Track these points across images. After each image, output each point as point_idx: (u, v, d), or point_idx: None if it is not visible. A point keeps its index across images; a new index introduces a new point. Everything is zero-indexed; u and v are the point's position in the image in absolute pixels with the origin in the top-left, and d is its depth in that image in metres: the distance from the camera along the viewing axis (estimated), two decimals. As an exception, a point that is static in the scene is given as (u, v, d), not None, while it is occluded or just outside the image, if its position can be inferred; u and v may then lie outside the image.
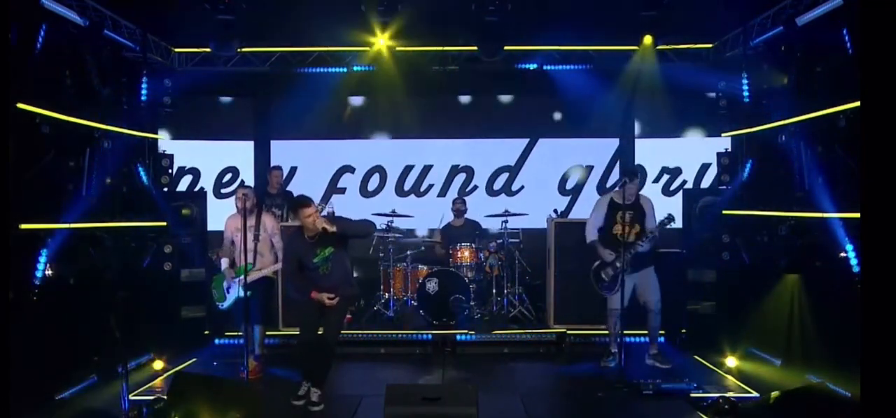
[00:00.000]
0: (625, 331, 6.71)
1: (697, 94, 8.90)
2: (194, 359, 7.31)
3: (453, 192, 9.92)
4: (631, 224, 6.78)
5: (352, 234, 5.86)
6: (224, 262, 6.65)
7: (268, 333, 7.51)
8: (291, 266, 5.84)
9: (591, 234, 6.97)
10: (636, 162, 9.94)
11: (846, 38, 5.80)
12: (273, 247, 6.76)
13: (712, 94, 8.57)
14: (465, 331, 7.77)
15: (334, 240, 5.71)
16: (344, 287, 5.83)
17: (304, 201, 5.63)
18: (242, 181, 7.19)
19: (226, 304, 6.72)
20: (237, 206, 6.57)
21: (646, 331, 7.18)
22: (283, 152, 9.94)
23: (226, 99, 9.83)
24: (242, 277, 6.36)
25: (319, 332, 5.78)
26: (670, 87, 8.87)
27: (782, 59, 7.05)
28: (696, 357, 7.28)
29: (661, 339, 7.48)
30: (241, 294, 6.47)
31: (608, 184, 9.94)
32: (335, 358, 5.96)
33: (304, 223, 5.60)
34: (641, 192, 7.09)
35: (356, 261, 9.18)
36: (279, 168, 8.83)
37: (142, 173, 7.72)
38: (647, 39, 8.07)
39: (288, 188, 9.37)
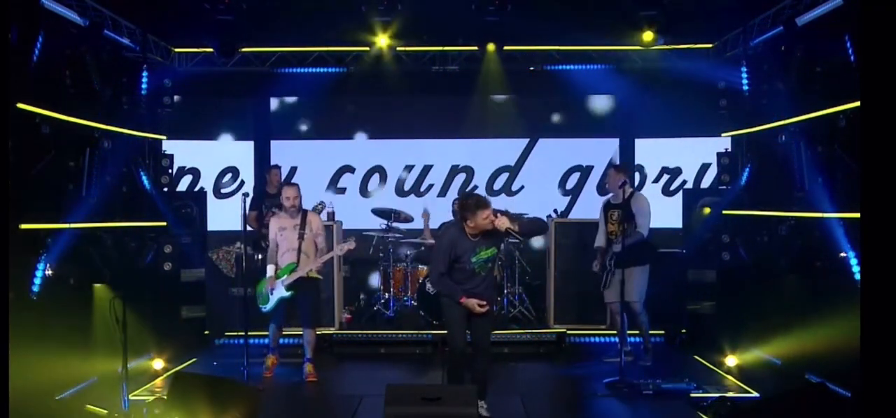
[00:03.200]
0: (628, 331, 6.69)
1: (698, 93, 8.89)
2: (194, 359, 7.31)
3: (453, 192, 9.89)
4: (619, 223, 6.70)
5: (531, 232, 5.68)
6: (270, 269, 6.50)
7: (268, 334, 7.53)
8: (443, 265, 5.21)
9: (597, 240, 7.18)
10: (636, 162, 9.94)
11: (846, 37, 5.81)
12: (317, 248, 6.61)
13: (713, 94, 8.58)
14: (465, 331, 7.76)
15: (497, 241, 5.34)
16: (492, 292, 5.55)
17: (483, 202, 5.14)
18: (244, 187, 7.02)
19: (268, 306, 6.57)
20: (285, 206, 6.56)
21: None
22: (283, 152, 9.92)
23: (226, 99, 9.83)
24: (285, 277, 6.44)
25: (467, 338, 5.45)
26: (670, 86, 8.90)
27: (782, 59, 7.05)
28: (696, 357, 7.28)
29: (638, 340, 7.18)
30: (285, 295, 6.48)
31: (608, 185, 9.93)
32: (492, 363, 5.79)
33: (479, 225, 5.09)
34: (640, 192, 7.07)
35: (356, 261, 9.20)
36: (278, 167, 8.83)
37: (142, 173, 7.72)
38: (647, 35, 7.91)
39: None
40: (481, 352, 5.46)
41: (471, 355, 5.43)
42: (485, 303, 5.23)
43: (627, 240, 6.57)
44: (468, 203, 5.19)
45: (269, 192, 8.54)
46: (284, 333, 7.44)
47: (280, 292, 6.48)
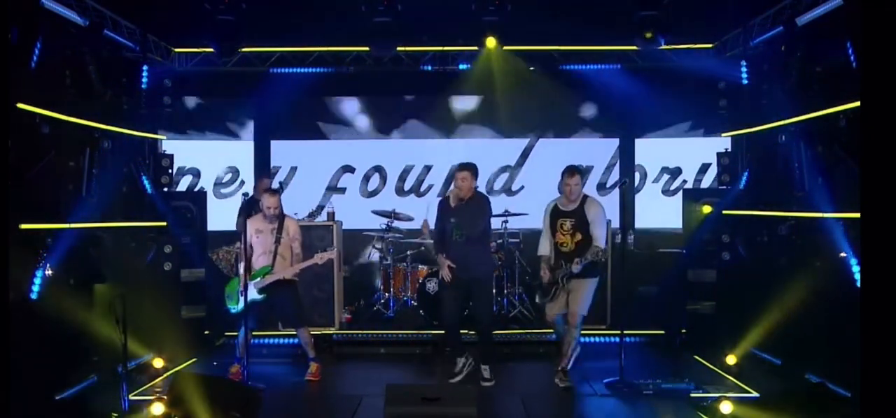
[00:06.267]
0: (626, 331, 6.63)
1: (698, 93, 8.90)
2: (194, 359, 7.30)
3: (453, 192, 9.89)
4: (571, 233, 6.15)
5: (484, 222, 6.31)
6: (241, 268, 6.35)
7: (269, 333, 7.52)
8: (438, 226, 6.41)
9: (541, 248, 6.42)
10: (636, 162, 9.93)
11: (846, 37, 5.81)
12: (293, 253, 6.49)
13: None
14: (465, 332, 7.76)
15: (468, 215, 6.19)
16: (473, 259, 6.21)
17: (463, 167, 6.27)
18: (244, 187, 6.82)
19: (238, 308, 6.34)
20: (265, 212, 6.42)
21: (643, 331, 7.11)
22: (283, 152, 9.93)
23: (226, 99, 9.84)
24: (258, 280, 6.31)
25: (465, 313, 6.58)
26: (671, 86, 8.91)
27: (782, 59, 7.05)
28: (696, 357, 7.28)
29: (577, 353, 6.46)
30: (256, 298, 6.34)
31: (608, 184, 9.93)
32: (494, 334, 6.62)
33: (457, 187, 6.25)
34: (591, 196, 6.41)
35: (357, 261, 9.21)
36: (268, 175, 8.78)
37: (142, 173, 7.72)
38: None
39: (284, 191, 9.36)
40: (479, 325, 6.45)
41: (477, 328, 6.54)
42: (453, 266, 6.20)
43: (588, 255, 5.99)
44: (462, 165, 6.34)
45: (258, 199, 8.48)
46: (283, 334, 7.46)
47: (252, 294, 6.31)
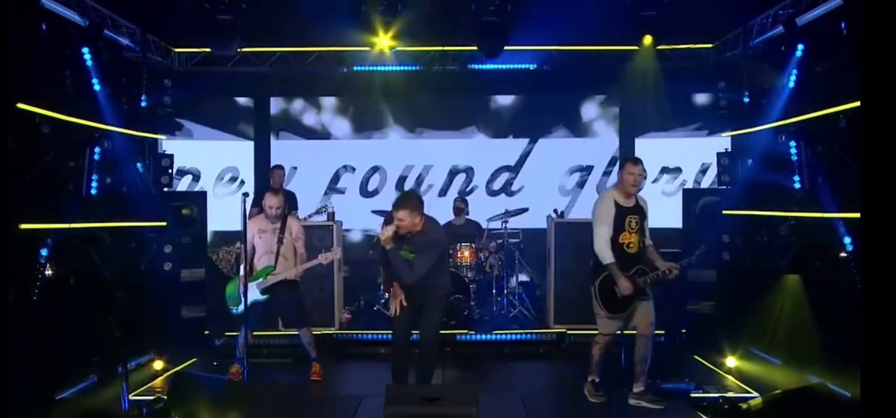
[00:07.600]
0: (626, 331, 6.60)
1: (698, 93, 8.91)
2: (194, 359, 7.30)
3: (453, 192, 9.92)
4: (639, 231, 5.54)
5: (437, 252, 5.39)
6: (241, 270, 6.28)
7: (270, 333, 7.52)
8: (384, 262, 5.58)
9: (608, 254, 5.41)
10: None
11: (846, 37, 5.81)
12: (296, 253, 6.43)
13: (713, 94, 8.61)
14: (465, 331, 7.76)
15: (418, 244, 5.28)
16: (432, 288, 5.40)
17: (406, 201, 5.24)
18: (246, 192, 6.68)
19: (240, 308, 6.23)
20: (267, 211, 6.35)
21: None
22: (283, 152, 9.93)
23: (226, 99, 9.85)
24: (260, 281, 6.26)
25: (414, 334, 5.57)
26: (671, 86, 8.91)
27: (782, 59, 7.05)
28: (696, 357, 7.28)
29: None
30: (259, 298, 6.27)
31: (609, 185, 9.93)
32: (438, 356, 5.72)
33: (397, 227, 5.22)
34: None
35: (357, 261, 9.21)
36: (281, 167, 8.81)
37: (142, 173, 7.72)
38: (647, 39, 7.89)
39: (288, 187, 9.36)
40: (424, 349, 5.49)
41: (411, 348, 5.57)
42: (404, 299, 5.42)
43: (693, 257, 5.55)
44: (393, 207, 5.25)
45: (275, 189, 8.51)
46: (283, 334, 7.44)
47: (254, 295, 6.24)
